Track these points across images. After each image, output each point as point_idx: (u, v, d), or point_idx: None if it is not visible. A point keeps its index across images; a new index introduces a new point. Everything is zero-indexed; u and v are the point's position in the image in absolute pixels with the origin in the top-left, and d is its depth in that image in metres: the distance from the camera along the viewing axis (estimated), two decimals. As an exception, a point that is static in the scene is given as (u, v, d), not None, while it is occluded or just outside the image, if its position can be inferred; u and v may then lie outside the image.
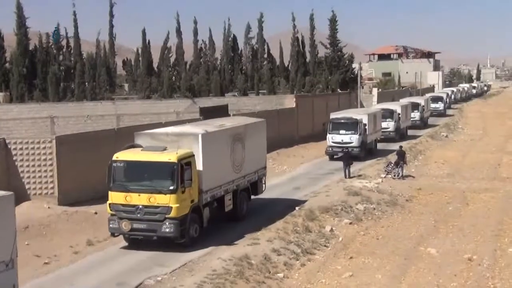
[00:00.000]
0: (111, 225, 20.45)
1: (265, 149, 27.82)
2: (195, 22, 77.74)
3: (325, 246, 22.01)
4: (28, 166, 25.75)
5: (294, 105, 52.60)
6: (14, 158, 25.64)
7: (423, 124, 63.30)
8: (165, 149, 20.70)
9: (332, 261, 20.41)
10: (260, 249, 20.33)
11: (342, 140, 40.15)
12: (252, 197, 26.21)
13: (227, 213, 23.60)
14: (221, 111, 40.50)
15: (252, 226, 23.31)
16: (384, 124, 48.73)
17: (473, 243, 22.38)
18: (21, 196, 25.33)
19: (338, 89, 72.44)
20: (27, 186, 25.71)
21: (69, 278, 18.15)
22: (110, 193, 20.40)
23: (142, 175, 20.43)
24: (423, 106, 64.52)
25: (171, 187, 19.68)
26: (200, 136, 21.33)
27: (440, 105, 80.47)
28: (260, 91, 69.68)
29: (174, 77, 71.58)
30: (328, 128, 41.60)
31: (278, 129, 47.64)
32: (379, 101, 68.52)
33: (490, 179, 35.28)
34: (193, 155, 20.69)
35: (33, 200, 25.42)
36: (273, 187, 32.52)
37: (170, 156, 20.01)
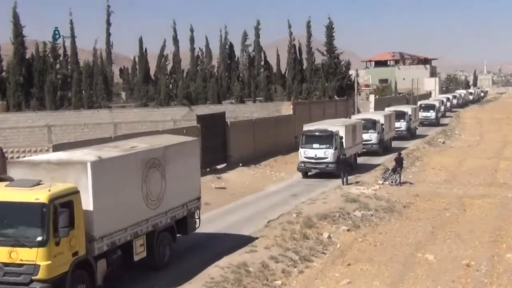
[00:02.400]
0: None
1: (198, 176, 22.34)
2: (192, 30, 77.89)
3: (323, 253, 22.00)
4: (25, 174, 25.69)
5: (291, 112, 52.71)
6: (11, 167, 25.60)
7: (410, 135, 58.83)
8: (38, 183, 15.34)
9: (330, 268, 20.39)
10: (258, 256, 20.30)
11: (315, 155, 36.48)
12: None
13: (139, 262, 18.29)
14: (219, 119, 40.56)
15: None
16: (365, 136, 44.74)
17: (471, 249, 22.38)
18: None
19: (335, 96, 72.58)
20: (24, 195, 25.62)
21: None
22: None
23: (1, 221, 15.03)
24: (410, 115, 59.85)
25: (39, 238, 14.40)
26: (89, 165, 15.97)
27: (431, 114, 75.61)
28: (257, 98, 69.78)
29: (171, 85, 71.59)
30: (300, 141, 37.76)
31: (275, 136, 47.74)
32: (376, 107, 68.68)
33: (487, 185, 35.31)
34: (77, 192, 15.42)
35: (30, 209, 25.32)
36: (271, 194, 32.63)
37: (38, 195, 14.69)
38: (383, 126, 48.01)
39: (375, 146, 46.43)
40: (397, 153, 37.22)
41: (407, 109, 61.22)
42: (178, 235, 20.78)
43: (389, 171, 35.25)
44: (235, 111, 54.64)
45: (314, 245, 22.47)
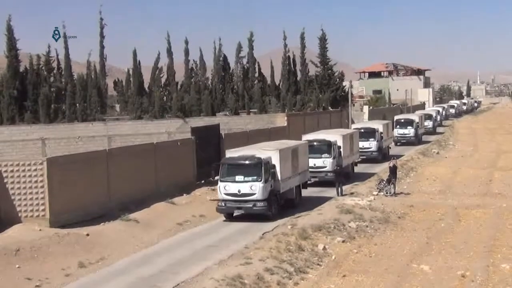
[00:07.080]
0: None
1: None
2: (186, 42, 77.96)
3: (318, 264, 21.96)
4: (19, 188, 25.59)
5: (285, 124, 52.81)
6: (5, 180, 25.51)
7: (381, 156, 49.81)
8: None
9: (325, 279, 20.34)
10: (253, 268, 20.25)
11: (239, 191, 27.73)
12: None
13: None
14: (213, 131, 40.55)
15: None
16: (317, 162, 36.34)
17: (466, 260, 22.38)
18: (12, 218, 25.23)
19: (329, 107, 72.76)
20: (18, 209, 25.51)
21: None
22: None
23: None
24: (382, 132, 51.30)
25: None
26: None
27: (410, 131, 64.38)
28: (251, 110, 69.82)
29: (165, 97, 71.59)
30: (220, 172, 28.72)
31: (269, 148, 47.71)
32: (370, 118, 68.83)
33: (482, 195, 35.36)
34: None
35: (24, 222, 25.21)
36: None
37: None
38: (341, 149, 38.61)
39: (329, 174, 36.47)
40: (391, 162, 36.89)
41: (378, 125, 52.14)
42: None
43: (384, 182, 35.27)
44: (229, 123, 54.68)
45: (309, 256, 22.43)
